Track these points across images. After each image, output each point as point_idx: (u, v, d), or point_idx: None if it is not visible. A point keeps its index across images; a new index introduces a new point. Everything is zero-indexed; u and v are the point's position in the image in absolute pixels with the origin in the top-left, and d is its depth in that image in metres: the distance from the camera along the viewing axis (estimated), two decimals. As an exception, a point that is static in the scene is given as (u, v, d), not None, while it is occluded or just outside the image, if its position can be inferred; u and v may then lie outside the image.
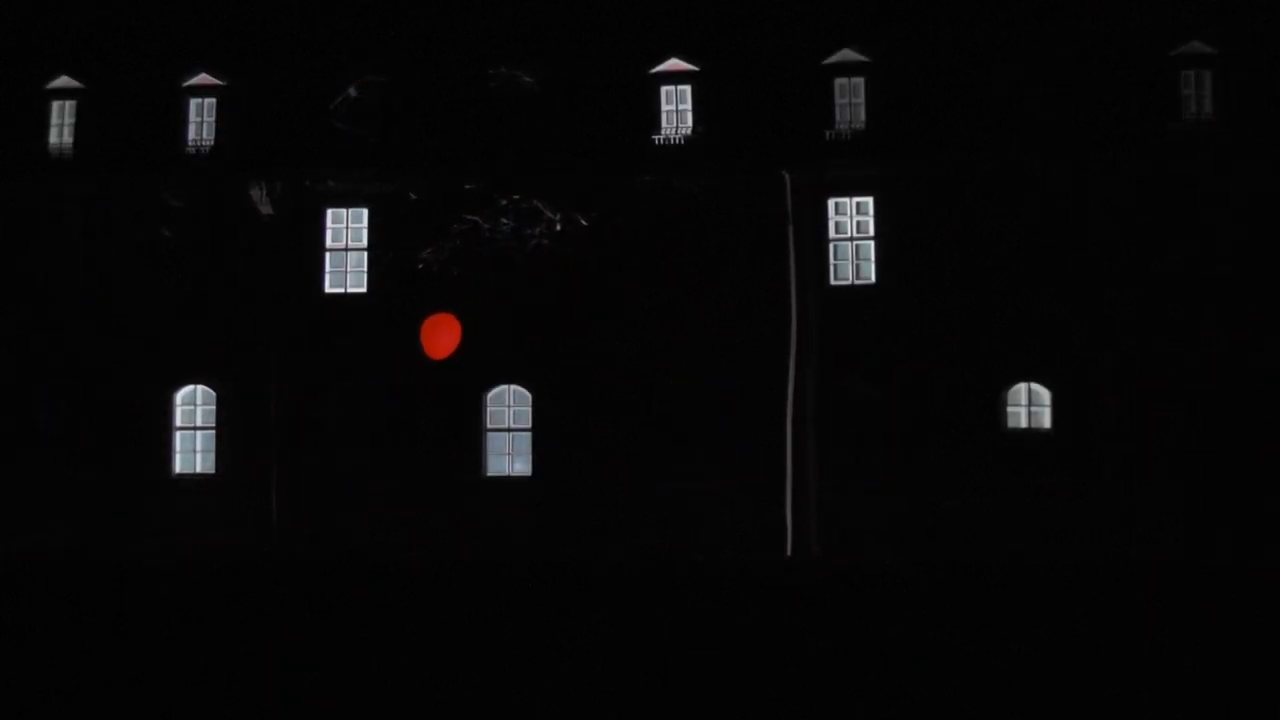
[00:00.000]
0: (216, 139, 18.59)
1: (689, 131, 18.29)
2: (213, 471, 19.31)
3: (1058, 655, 13.78)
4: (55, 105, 18.97)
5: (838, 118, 18.30)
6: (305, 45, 18.21)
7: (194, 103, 18.62)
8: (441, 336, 18.91)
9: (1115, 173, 18.04)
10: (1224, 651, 13.75)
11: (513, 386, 19.11)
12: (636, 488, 18.54)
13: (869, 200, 18.43)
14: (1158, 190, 18.03)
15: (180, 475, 19.34)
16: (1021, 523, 17.67)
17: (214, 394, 19.36)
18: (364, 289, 19.21)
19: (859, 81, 18.32)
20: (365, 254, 19.19)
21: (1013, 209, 18.20)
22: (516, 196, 18.92)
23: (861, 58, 18.37)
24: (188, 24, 18.22)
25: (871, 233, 18.38)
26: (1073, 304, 18.03)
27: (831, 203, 18.44)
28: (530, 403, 19.06)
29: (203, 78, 18.61)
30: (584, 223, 18.90)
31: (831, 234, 18.44)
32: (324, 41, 18.21)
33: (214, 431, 19.32)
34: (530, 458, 19.03)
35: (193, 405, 19.51)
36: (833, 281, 18.35)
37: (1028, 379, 18.03)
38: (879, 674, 13.12)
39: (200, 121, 18.59)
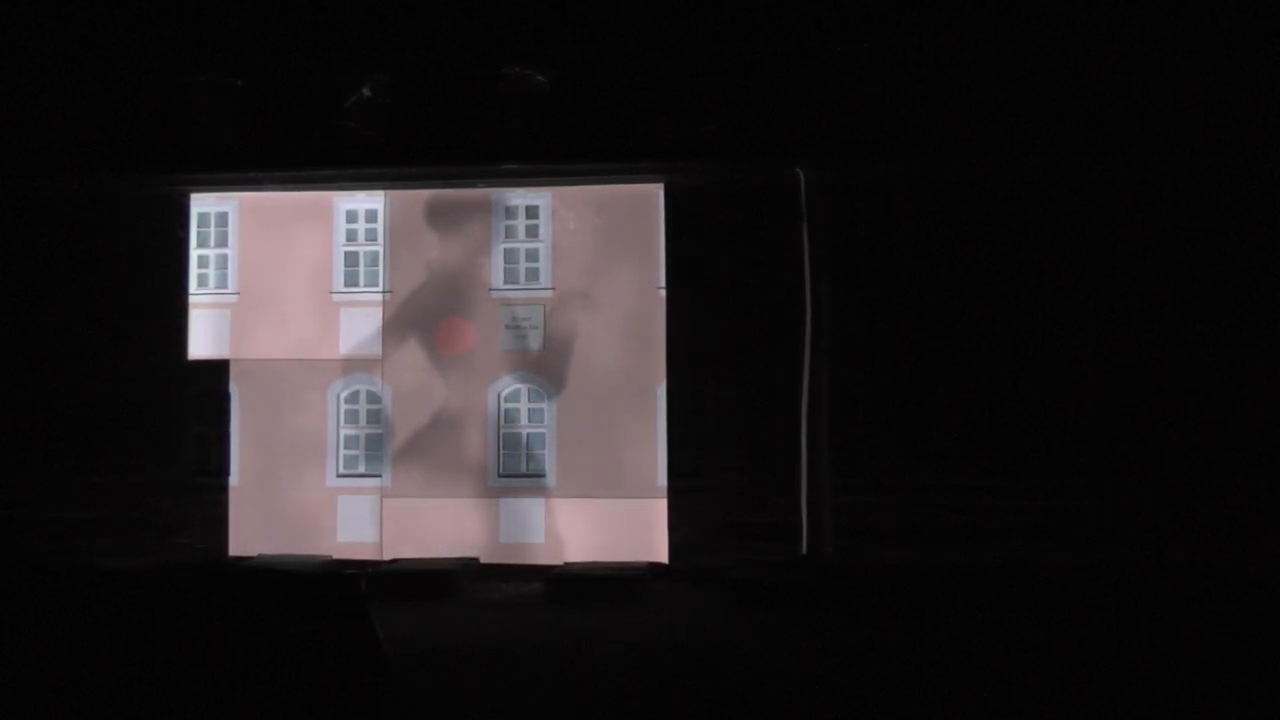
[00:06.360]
0: (225, 138, 18.53)
1: (702, 129, 18.12)
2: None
3: (1060, 656, 13.74)
4: (58, 101, 18.75)
5: (851, 114, 18.01)
6: (318, 44, 18.16)
7: (202, 101, 18.52)
8: (455, 334, 19.08)
9: (1116, 172, 17.82)
10: (1224, 651, 13.69)
11: (526, 386, 19.09)
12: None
13: (886, 198, 18.17)
14: (1155, 190, 17.78)
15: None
16: (1029, 523, 17.53)
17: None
18: (379, 288, 19.23)
19: (875, 77, 18.03)
20: (380, 253, 19.25)
21: (1024, 208, 17.97)
22: (531, 196, 19.00)
23: (877, 52, 18.12)
24: (195, 21, 18.15)
25: (888, 230, 18.18)
26: (1079, 303, 17.82)
27: (844, 200, 18.19)
28: (545, 402, 19.07)
29: (213, 75, 18.55)
30: (597, 221, 18.95)
31: (848, 231, 18.18)
32: (336, 40, 18.16)
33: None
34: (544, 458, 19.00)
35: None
36: (847, 279, 18.17)
37: (1038, 378, 17.86)
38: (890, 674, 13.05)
39: (209, 120, 18.50)
